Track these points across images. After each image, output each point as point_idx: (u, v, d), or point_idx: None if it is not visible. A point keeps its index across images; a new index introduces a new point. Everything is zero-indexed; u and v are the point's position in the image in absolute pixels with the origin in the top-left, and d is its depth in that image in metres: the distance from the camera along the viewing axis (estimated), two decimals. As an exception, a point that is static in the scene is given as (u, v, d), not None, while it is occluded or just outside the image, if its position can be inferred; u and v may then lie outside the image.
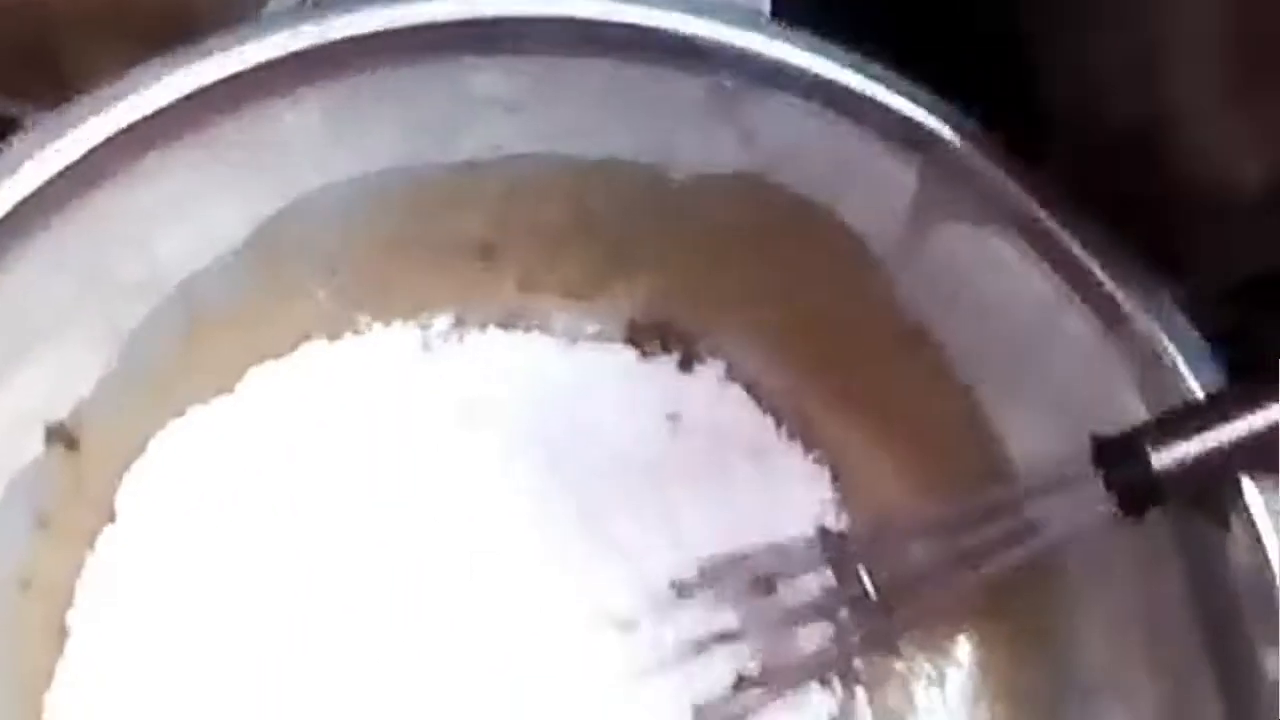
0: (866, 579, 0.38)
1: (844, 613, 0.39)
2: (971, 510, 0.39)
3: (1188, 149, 0.40)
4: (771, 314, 0.50)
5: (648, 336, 0.51)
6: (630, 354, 0.50)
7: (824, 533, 0.40)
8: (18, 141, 0.39)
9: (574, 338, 0.51)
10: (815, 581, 0.42)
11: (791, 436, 0.49)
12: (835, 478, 0.48)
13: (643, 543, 0.42)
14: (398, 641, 0.41)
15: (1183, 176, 0.40)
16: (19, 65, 0.51)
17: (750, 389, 0.50)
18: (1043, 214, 0.43)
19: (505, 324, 0.50)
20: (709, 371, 0.50)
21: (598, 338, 0.51)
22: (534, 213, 0.49)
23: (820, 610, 0.39)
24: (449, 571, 0.41)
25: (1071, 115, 0.44)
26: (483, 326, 0.50)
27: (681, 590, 0.40)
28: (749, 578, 0.40)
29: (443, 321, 0.50)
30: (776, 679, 0.39)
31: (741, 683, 0.39)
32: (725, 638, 0.39)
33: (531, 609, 0.40)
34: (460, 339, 0.50)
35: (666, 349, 0.50)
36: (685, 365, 0.50)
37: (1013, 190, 0.43)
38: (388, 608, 0.42)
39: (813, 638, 0.40)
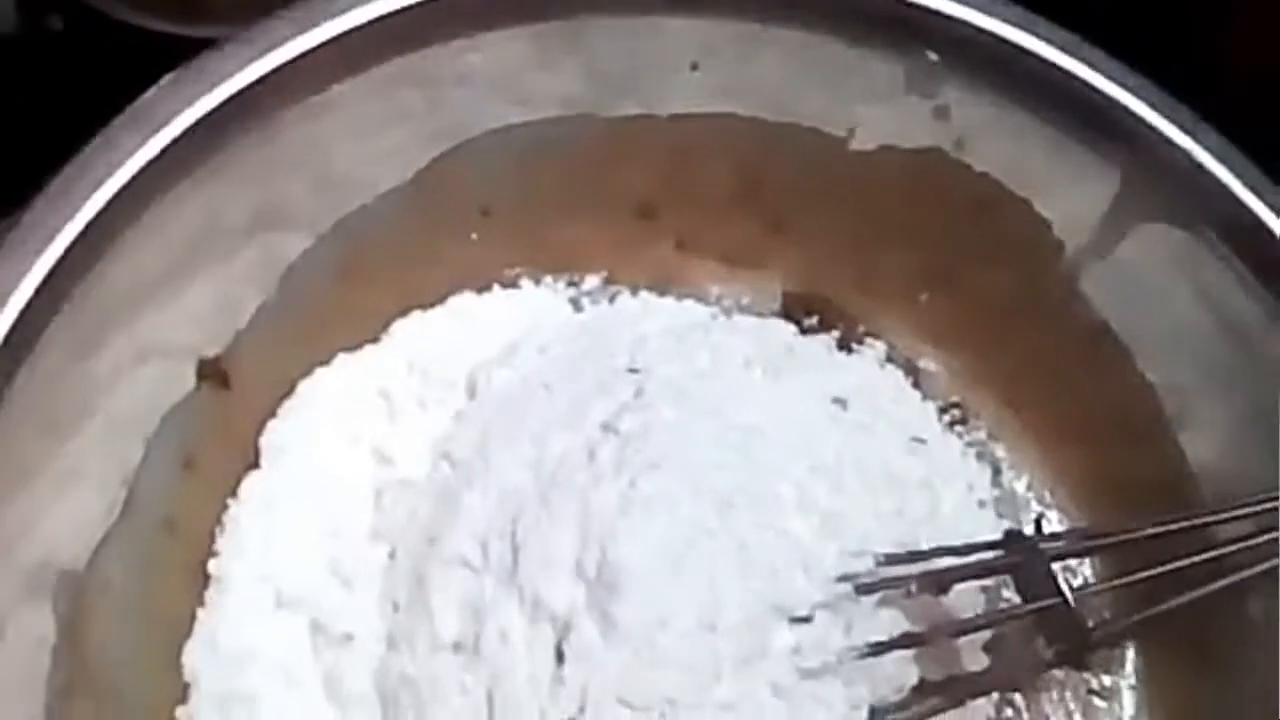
0: (1067, 589, 0.36)
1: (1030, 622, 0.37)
2: (1168, 529, 0.37)
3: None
4: (939, 297, 0.48)
5: (804, 311, 0.49)
6: (788, 328, 0.48)
7: (1013, 536, 0.38)
8: (205, 61, 0.38)
9: (729, 307, 0.49)
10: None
11: (951, 426, 0.47)
12: (995, 472, 0.47)
13: (813, 533, 0.40)
14: (553, 625, 0.39)
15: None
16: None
17: (910, 374, 0.48)
18: (1267, 223, 0.41)
19: (658, 288, 0.49)
20: (869, 353, 0.48)
21: (752, 309, 0.49)
22: (700, 174, 0.47)
23: (1008, 619, 0.37)
24: (608, 549, 0.39)
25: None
26: (634, 288, 0.49)
27: (858, 587, 0.38)
28: (927, 578, 0.38)
29: (593, 280, 0.49)
30: (959, 689, 0.37)
31: (922, 687, 0.38)
32: (908, 642, 0.37)
33: (705, 598, 0.38)
34: (611, 300, 0.48)
35: (825, 326, 0.48)
36: (844, 345, 0.48)
37: (1232, 194, 0.41)
38: (541, 583, 0.40)
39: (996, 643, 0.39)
